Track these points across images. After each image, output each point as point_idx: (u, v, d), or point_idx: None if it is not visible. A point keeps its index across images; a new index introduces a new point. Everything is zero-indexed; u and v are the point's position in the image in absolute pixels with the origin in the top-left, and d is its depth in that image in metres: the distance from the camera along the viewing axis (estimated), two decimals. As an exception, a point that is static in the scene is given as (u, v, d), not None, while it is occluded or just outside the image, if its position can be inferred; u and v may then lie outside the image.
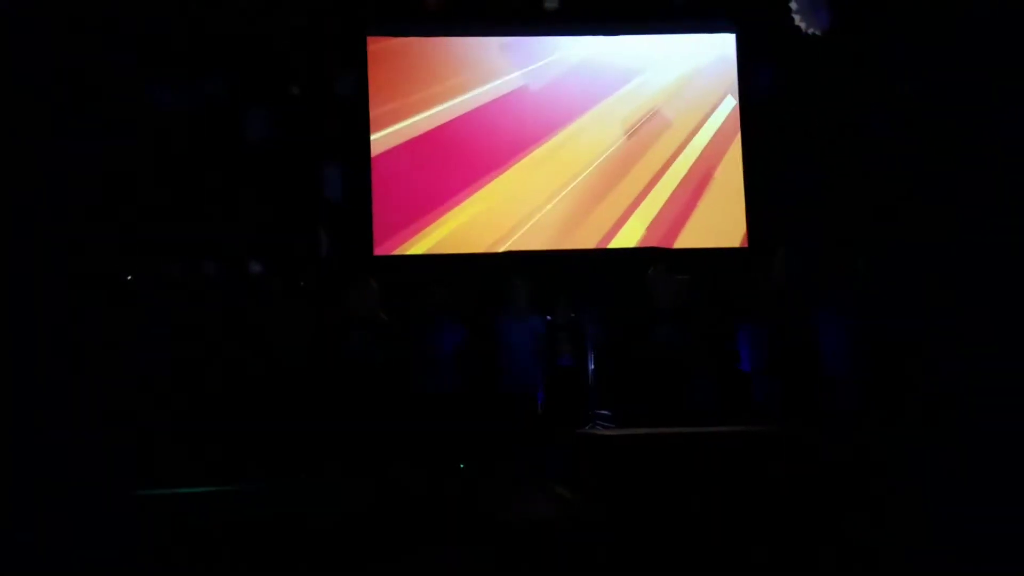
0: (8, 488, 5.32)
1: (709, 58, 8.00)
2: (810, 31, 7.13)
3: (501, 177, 7.66)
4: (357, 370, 6.47)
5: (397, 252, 7.47)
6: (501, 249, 7.53)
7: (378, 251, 7.45)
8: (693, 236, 7.73)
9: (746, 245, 7.73)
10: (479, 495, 5.50)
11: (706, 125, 7.90)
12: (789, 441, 4.49)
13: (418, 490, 5.68)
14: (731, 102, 7.94)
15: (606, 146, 7.78)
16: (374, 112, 7.60)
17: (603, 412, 6.62)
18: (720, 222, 7.79)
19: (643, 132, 7.83)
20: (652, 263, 6.90)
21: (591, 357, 6.81)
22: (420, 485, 5.84)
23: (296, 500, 5.37)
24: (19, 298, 6.01)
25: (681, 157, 7.83)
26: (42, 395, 5.88)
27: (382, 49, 7.71)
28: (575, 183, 7.71)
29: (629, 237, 7.67)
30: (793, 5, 7.09)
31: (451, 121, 7.67)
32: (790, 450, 4.36)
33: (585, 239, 7.63)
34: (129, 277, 6.93)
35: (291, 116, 7.44)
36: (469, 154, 7.67)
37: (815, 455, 4.39)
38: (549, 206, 7.66)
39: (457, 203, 7.59)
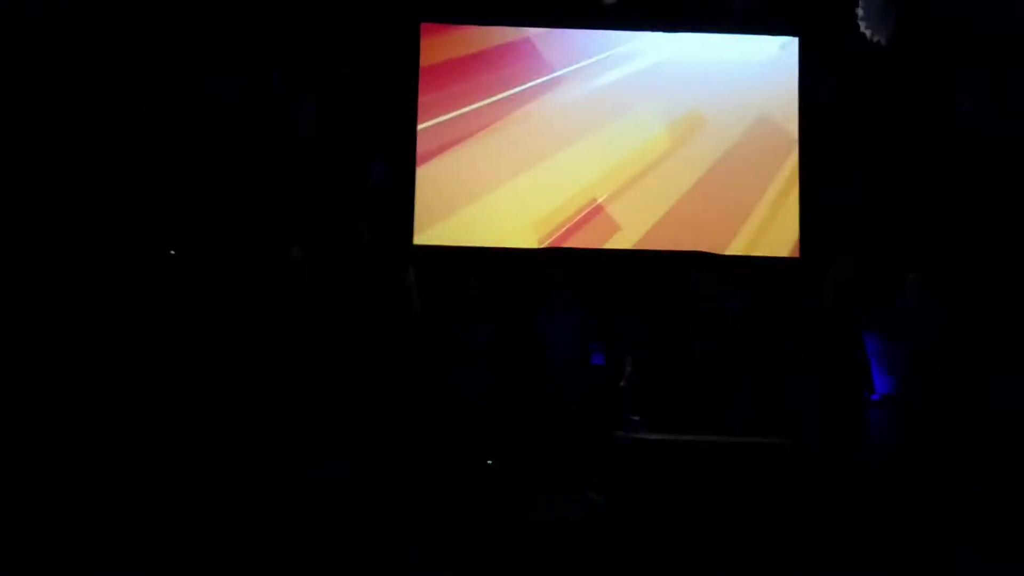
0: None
1: (770, 61, 7.79)
2: (876, 39, 6.95)
3: (546, 170, 7.53)
4: (390, 362, 6.38)
5: (437, 243, 7.38)
6: (544, 244, 7.40)
7: (418, 240, 7.37)
8: (743, 243, 7.52)
9: (798, 255, 7.51)
10: (508, 495, 5.42)
11: (762, 130, 7.68)
12: (823, 457, 4.34)
13: (445, 487, 5.61)
14: (791, 108, 7.71)
15: (656, 145, 7.61)
16: (423, 100, 7.53)
17: (635, 418, 6.49)
18: (772, 230, 7.57)
19: (695, 133, 7.65)
20: (697, 267, 6.72)
21: (628, 360, 6.66)
22: (446, 482, 5.77)
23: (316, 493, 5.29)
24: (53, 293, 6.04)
25: (734, 160, 7.62)
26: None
27: (435, 36, 7.62)
28: (623, 180, 7.54)
29: (676, 239, 7.49)
30: (859, 12, 6.92)
31: (500, 112, 7.56)
32: (822, 466, 4.24)
33: (631, 239, 7.47)
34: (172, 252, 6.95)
35: (340, 102, 7.40)
36: (516, 146, 7.54)
37: (850, 472, 4.26)
38: (594, 202, 7.51)
39: (501, 196, 7.47)
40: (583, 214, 7.49)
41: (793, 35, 7.77)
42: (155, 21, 6.97)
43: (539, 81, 7.63)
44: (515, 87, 7.61)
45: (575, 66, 7.67)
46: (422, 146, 7.48)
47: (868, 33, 6.92)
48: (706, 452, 4.24)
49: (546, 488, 5.54)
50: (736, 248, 7.48)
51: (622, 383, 6.65)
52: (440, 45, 7.63)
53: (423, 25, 7.63)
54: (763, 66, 7.76)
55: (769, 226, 7.57)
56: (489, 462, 6.33)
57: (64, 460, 5.35)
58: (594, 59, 7.69)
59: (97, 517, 4.72)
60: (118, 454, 5.48)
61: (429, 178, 7.46)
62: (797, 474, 4.11)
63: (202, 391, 6.21)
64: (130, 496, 5.21)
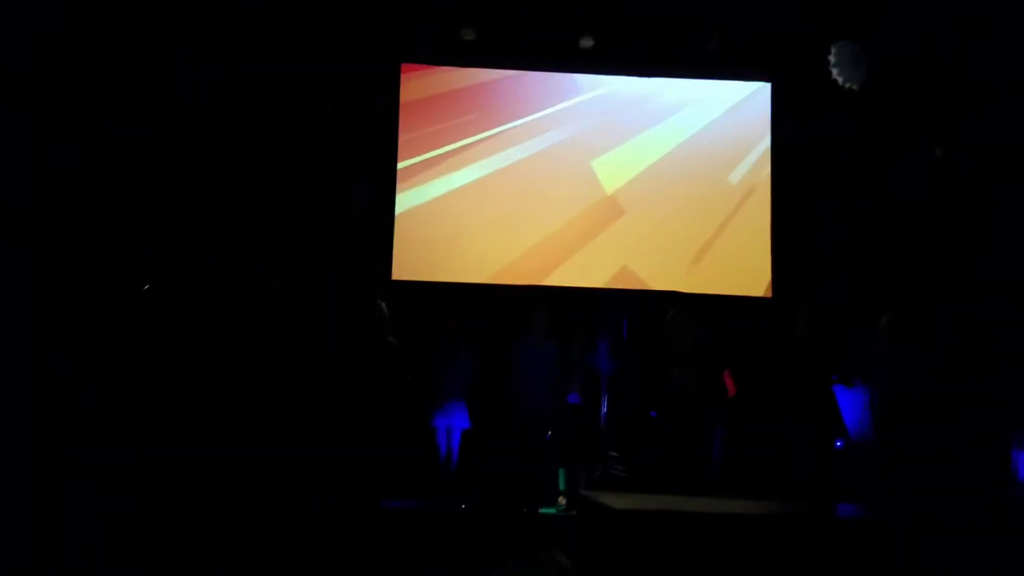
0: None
1: (743, 105, 7.95)
2: (847, 86, 7.09)
3: (526, 210, 7.61)
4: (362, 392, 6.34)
5: (416, 278, 7.41)
6: (520, 282, 7.44)
7: (396, 276, 7.39)
8: (716, 282, 7.62)
9: (770, 295, 7.61)
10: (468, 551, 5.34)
11: (736, 170, 7.82)
12: (819, 525, 4.17)
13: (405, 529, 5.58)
14: (763, 150, 7.87)
15: (634, 186, 7.72)
16: (403, 138, 7.60)
17: (613, 454, 6.50)
18: (745, 270, 7.68)
19: (672, 173, 7.77)
20: (672, 306, 6.78)
21: (604, 397, 6.69)
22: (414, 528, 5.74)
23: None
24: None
25: (709, 200, 7.75)
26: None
27: (415, 77, 7.72)
28: (599, 221, 7.63)
29: (651, 278, 7.57)
30: (831, 59, 7.06)
31: (479, 153, 7.65)
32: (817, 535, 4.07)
33: (606, 277, 7.54)
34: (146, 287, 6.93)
35: (323, 136, 7.44)
36: (495, 186, 7.62)
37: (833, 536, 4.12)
38: (571, 241, 7.58)
39: (479, 232, 7.54)
40: (560, 253, 7.56)
41: (766, 80, 7.96)
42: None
43: (517, 123, 7.74)
44: (493, 128, 7.71)
45: (553, 107, 7.79)
46: (402, 183, 7.54)
47: (840, 80, 7.05)
48: (687, 522, 3.98)
49: (511, 548, 5.44)
50: (710, 287, 7.58)
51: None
52: (420, 85, 7.72)
53: (403, 65, 7.73)
54: (741, 109, 7.94)
55: (742, 266, 7.70)
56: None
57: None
58: (572, 101, 7.81)
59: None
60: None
61: (408, 214, 7.51)
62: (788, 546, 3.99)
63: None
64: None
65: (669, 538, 3.82)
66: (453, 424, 6.35)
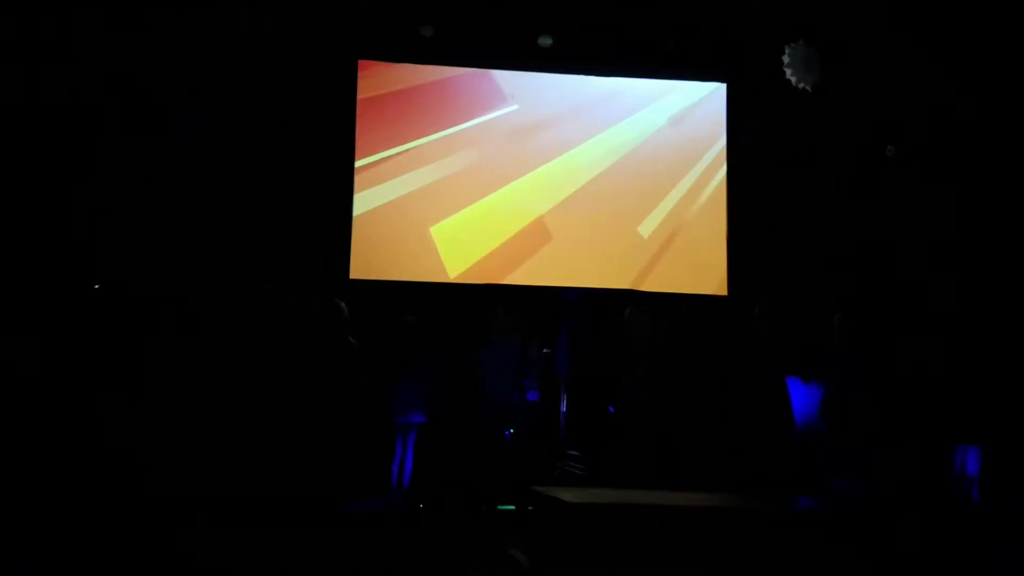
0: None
1: (700, 105, 8.04)
2: (801, 86, 7.20)
3: (483, 208, 7.60)
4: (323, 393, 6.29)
5: (374, 277, 7.37)
6: (479, 281, 7.44)
7: (354, 275, 7.35)
8: (673, 280, 7.69)
9: (726, 293, 7.70)
10: (427, 550, 5.34)
11: (692, 170, 7.91)
12: (779, 519, 4.24)
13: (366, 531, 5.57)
14: (719, 149, 7.96)
15: (591, 185, 7.76)
16: (360, 137, 7.54)
17: (572, 452, 6.52)
18: (701, 268, 7.77)
19: (629, 173, 7.82)
20: (630, 304, 6.82)
21: (564, 396, 6.72)
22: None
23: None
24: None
25: (666, 200, 7.82)
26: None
27: (373, 74, 7.66)
28: (557, 220, 7.66)
29: (610, 277, 7.62)
30: (785, 59, 7.16)
31: (438, 149, 7.63)
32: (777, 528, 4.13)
33: (566, 276, 7.57)
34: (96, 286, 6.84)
35: (277, 135, 7.36)
36: (454, 182, 7.61)
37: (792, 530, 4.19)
38: (531, 240, 7.60)
39: (438, 231, 7.51)
40: (519, 253, 7.58)
41: (721, 81, 8.05)
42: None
43: (475, 122, 7.73)
44: (451, 127, 7.69)
45: (512, 105, 7.79)
46: (359, 183, 7.50)
47: (794, 81, 7.15)
48: (640, 515, 4.00)
49: (468, 545, 5.46)
50: (665, 285, 7.65)
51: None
52: (377, 83, 7.67)
53: (360, 62, 7.67)
54: (697, 110, 8.02)
55: (699, 264, 7.78)
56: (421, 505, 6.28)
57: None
58: (530, 99, 7.83)
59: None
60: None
61: (366, 213, 7.47)
62: (741, 537, 4.03)
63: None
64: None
65: (620, 530, 3.88)
66: (411, 422, 6.32)
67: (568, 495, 4.34)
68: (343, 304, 6.36)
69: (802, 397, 6.39)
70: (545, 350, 6.96)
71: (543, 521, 4.53)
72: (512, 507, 6.52)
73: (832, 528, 4.19)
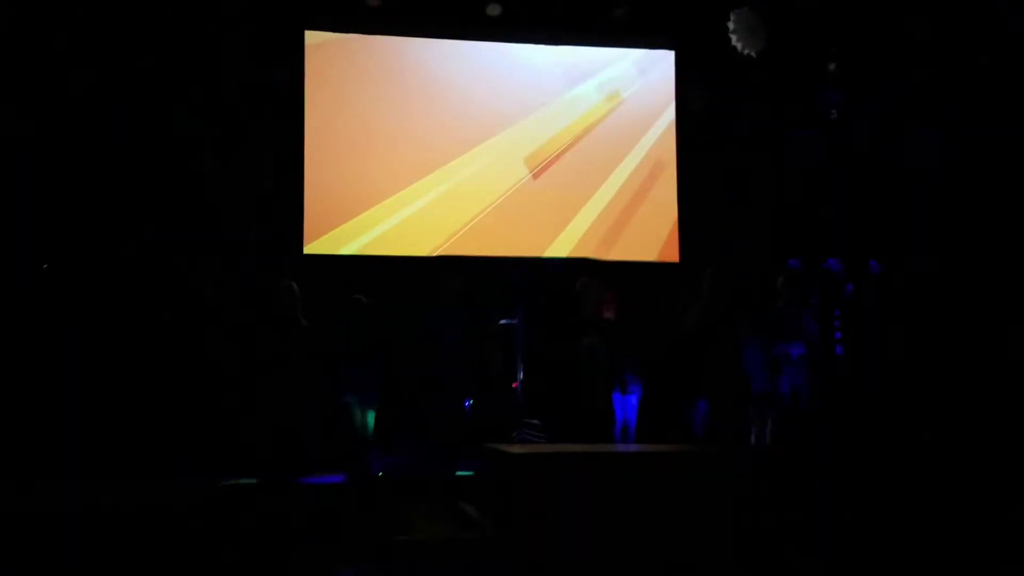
0: None
1: (650, 72, 8.08)
2: (746, 52, 7.27)
3: (436, 180, 7.60)
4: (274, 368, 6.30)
5: (328, 252, 7.36)
6: (434, 253, 7.47)
7: (308, 250, 7.33)
8: (625, 249, 7.78)
9: (677, 260, 7.82)
10: (379, 510, 5.42)
11: (643, 139, 7.97)
12: (705, 462, 4.45)
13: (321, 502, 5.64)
14: (669, 118, 8.03)
15: (542, 155, 7.80)
16: (309, 107, 7.47)
17: (532, 421, 6.62)
18: (653, 237, 7.87)
19: (581, 143, 7.87)
20: (582, 273, 6.91)
21: (520, 365, 6.80)
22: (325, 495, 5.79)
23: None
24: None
25: (618, 169, 7.89)
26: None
27: (320, 44, 7.58)
28: (509, 191, 7.70)
29: (562, 247, 7.69)
30: (730, 26, 7.21)
31: (388, 121, 7.59)
32: (706, 471, 4.33)
33: (519, 247, 7.62)
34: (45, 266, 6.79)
35: (226, 107, 7.26)
36: (404, 155, 7.59)
37: (732, 477, 4.38)
38: (483, 212, 7.63)
39: (391, 204, 7.51)
40: (469, 224, 7.61)
41: (669, 48, 8.10)
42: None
43: (426, 89, 7.69)
44: (400, 98, 7.65)
45: (461, 74, 7.77)
46: (310, 155, 7.44)
47: (739, 47, 7.22)
48: (581, 463, 4.23)
49: (422, 503, 5.55)
50: (618, 253, 7.74)
51: (515, 385, 6.80)
52: (325, 52, 7.59)
53: (307, 32, 7.56)
54: (647, 77, 8.07)
55: (650, 232, 7.88)
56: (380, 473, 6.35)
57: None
58: (479, 68, 7.81)
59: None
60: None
61: (317, 187, 7.43)
62: (680, 480, 4.21)
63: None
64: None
65: (562, 477, 4.10)
66: (366, 397, 6.36)
67: (514, 449, 4.66)
68: (294, 284, 6.36)
69: (753, 358, 6.57)
70: (501, 320, 7.02)
71: (491, 474, 4.81)
72: (471, 472, 6.61)
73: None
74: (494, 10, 7.62)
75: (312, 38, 7.57)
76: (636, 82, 8.05)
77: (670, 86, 8.08)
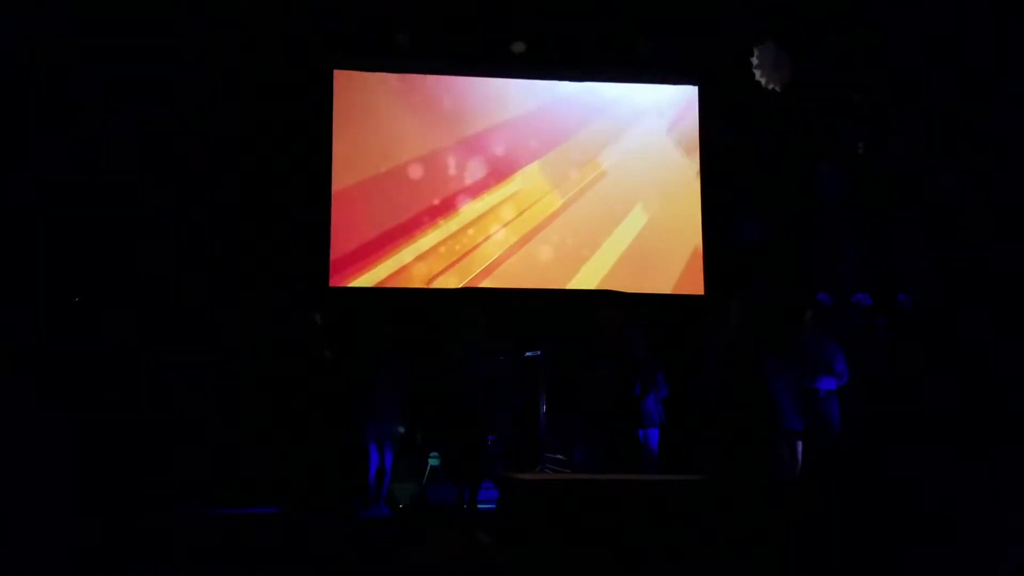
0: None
1: (673, 107, 8.12)
2: (770, 87, 7.30)
3: (460, 216, 7.67)
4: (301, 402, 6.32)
5: (352, 284, 7.42)
6: (458, 286, 7.50)
7: (333, 282, 7.39)
8: (649, 281, 7.77)
9: (703, 292, 7.78)
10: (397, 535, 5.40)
11: (668, 173, 7.99)
12: (723, 493, 4.38)
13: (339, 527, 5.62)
14: (693, 151, 8.05)
15: (566, 189, 7.83)
16: (337, 146, 7.59)
17: (557, 456, 6.57)
18: (677, 269, 7.84)
19: (604, 177, 7.90)
20: (605, 305, 6.88)
21: (543, 398, 6.76)
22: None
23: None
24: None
25: (642, 202, 7.90)
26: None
27: (348, 83, 7.71)
28: (535, 224, 7.73)
29: (587, 279, 7.69)
30: (754, 61, 7.25)
31: (414, 159, 7.68)
32: (724, 503, 4.27)
33: (543, 280, 7.64)
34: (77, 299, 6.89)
35: (258, 144, 7.38)
36: (430, 192, 7.66)
37: (753, 510, 4.31)
38: (508, 245, 7.67)
39: (415, 240, 7.57)
40: (496, 257, 7.65)
41: (693, 84, 8.14)
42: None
43: (454, 126, 7.78)
44: (430, 134, 7.74)
45: (486, 112, 7.85)
46: (338, 188, 7.53)
47: (763, 81, 7.24)
48: (595, 492, 4.22)
49: (436, 529, 5.52)
50: (641, 286, 7.73)
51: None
52: (354, 92, 7.72)
53: (336, 71, 7.70)
54: (671, 112, 8.11)
55: (674, 264, 7.86)
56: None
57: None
58: (505, 105, 7.89)
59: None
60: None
61: (343, 222, 7.51)
62: (697, 511, 4.15)
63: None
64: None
65: (572, 504, 4.06)
66: (389, 431, 6.36)
67: (526, 476, 4.79)
68: (318, 317, 6.40)
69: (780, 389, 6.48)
70: (528, 353, 7.01)
71: (506, 501, 4.91)
72: (493, 506, 6.56)
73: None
74: (519, 47, 7.72)
75: (341, 77, 7.70)
76: (661, 117, 8.08)
77: (694, 120, 8.10)
